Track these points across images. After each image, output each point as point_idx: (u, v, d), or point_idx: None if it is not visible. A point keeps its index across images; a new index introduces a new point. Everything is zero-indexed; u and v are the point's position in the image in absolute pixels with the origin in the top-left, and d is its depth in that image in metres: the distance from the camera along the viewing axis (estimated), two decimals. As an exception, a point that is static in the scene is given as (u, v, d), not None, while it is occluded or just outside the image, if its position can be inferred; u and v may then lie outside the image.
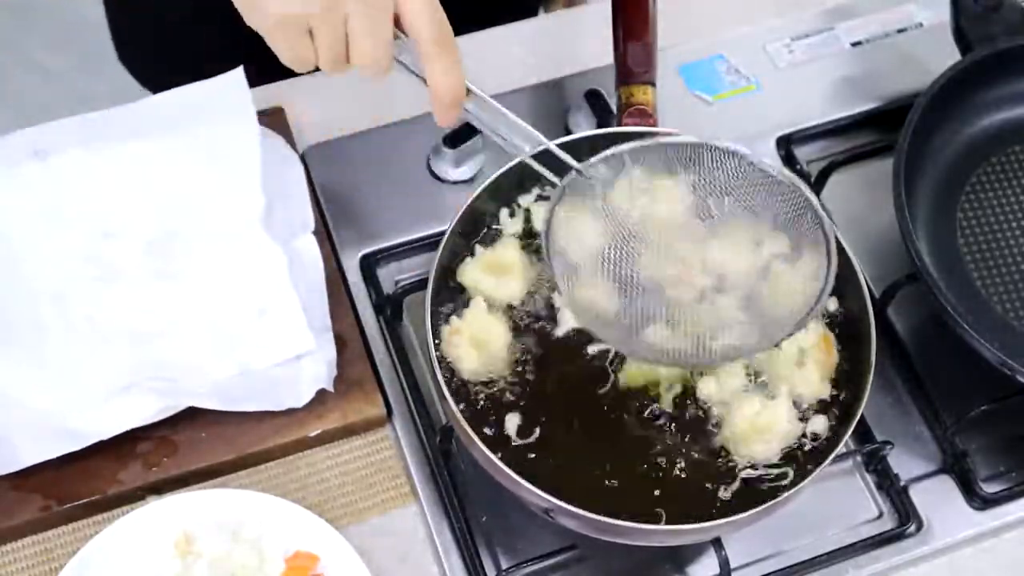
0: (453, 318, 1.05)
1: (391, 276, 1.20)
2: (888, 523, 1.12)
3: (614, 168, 0.99)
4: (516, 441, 1.02)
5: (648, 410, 1.04)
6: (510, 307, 1.07)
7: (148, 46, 1.48)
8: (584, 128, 1.24)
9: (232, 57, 1.20)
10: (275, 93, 1.27)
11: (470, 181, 1.24)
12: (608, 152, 0.99)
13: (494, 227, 1.10)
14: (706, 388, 1.04)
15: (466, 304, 1.06)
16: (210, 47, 1.35)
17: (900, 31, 1.38)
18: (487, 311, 1.05)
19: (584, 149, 1.11)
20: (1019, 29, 1.22)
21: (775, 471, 1.02)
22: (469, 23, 1.35)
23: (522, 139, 0.97)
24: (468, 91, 0.92)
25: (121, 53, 1.52)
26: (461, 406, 1.01)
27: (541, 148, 0.97)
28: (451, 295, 1.07)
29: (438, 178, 1.24)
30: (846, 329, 1.08)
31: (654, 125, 1.11)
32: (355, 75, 1.30)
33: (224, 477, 1.10)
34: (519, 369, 1.05)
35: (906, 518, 1.11)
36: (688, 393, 1.05)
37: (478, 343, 1.04)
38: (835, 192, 1.25)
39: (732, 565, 1.06)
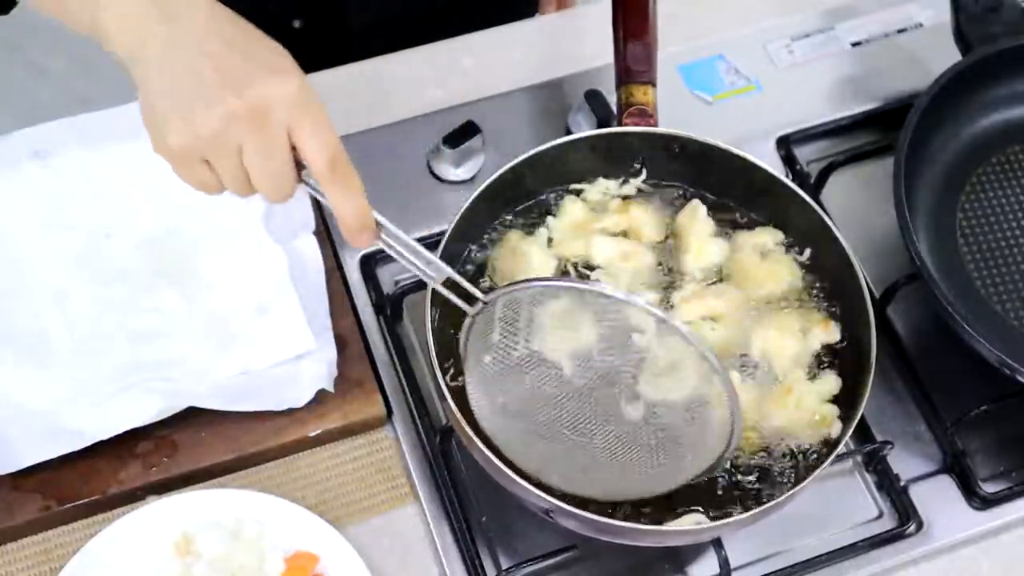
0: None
1: (391, 276, 1.20)
2: (888, 523, 1.12)
3: (515, 308, 0.95)
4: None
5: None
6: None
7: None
8: (584, 128, 1.24)
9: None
10: (275, 93, 1.27)
11: (470, 181, 1.24)
12: (510, 288, 0.94)
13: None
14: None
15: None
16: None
17: (900, 31, 1.38)
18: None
19: (584, 149, 1.11)
20: (1019, 29, 1.22)
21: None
22: (468, 25, 1.35)
23: (432, 268, 0.93)
24: (377, 222, 0.90)
25: None
26: (461, 406, 1.01)
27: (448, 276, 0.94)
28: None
29: (438, 178, 1.24)
30: (846, 329, 1.08)
31: (654, 125, 1.11)
32: (355, 75, 1.31)
33: (224, 477, 1.10)
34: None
35: (906, 518, 1.11)
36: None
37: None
38: (835, 192, 1.25)
39: (732, 565, 1.06)
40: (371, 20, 1.39)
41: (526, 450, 0.98)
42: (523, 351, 0.97)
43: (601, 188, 1.13)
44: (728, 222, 1.13)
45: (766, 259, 1.11)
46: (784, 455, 1.04)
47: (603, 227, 1.11)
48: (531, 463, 0.97)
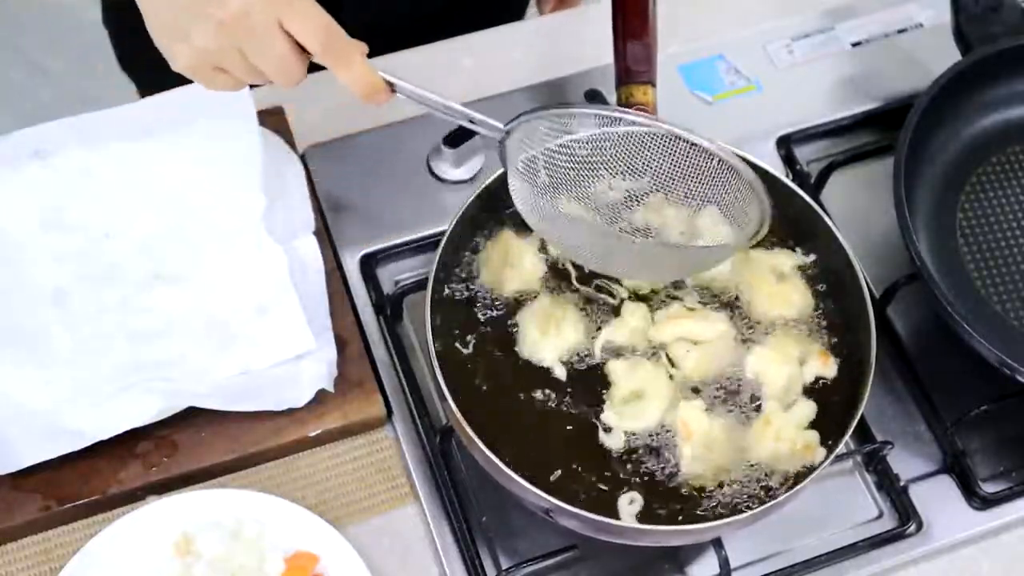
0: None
1: (391, 276, 1.20)
2: (888, 523, 1.12)
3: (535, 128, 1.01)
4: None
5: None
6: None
7: (151, 48, 1.48)
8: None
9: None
10: (275, 93, 1.27)
11: (470, 181, 1.24)
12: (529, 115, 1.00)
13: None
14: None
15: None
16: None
17: (900, 31, 1.38)
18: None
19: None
20: (1019, 29, 1.22)
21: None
22: (465, 26, 1.35)
23: (451, 112, 1.00)
24: (390, 83, 0.98)
25: (121, 58, 1.52)
26: (461, 406, 1.01)
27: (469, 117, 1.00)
28: (452, 295, 1.08)
29: (438, 178, 1.24)
30: (846, 329, 1.08)
31: (653, 125, 1.11)
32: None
33: (224, 477, 1.10)
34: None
35: (906, 518, 1.11)
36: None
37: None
38: (835, 192, 1.25)
39: (732, 565, 1.06)
40: (369, 21, 1.39)
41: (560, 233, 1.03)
42: (544, 179, 1.03)
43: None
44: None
45: (781, 282, 1.09)
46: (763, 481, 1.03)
47: None
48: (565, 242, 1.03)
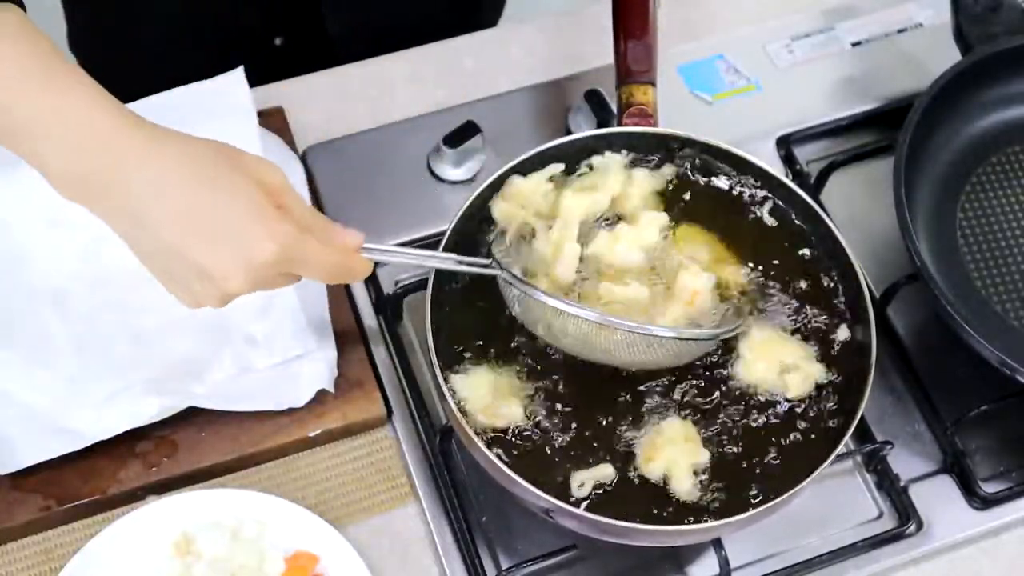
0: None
1: (391, 276, 1.20)
2: (888, 523, 1.12)
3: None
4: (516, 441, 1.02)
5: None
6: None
7: (152, 47, 1.48)
8: (584, 128, 1.24)
9: (233, 57, 1.20)
10: (275, 93, 1.27)
11: (470, 181, 1.24)
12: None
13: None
14: None
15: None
16: (211, 47, 1.35)
17: (900, 31, 1.38)
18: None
19: (584, 149, 1.11)
20: (1019, 29, 1.22)
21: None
22: (444, 31, 1.35)
23: (434, 259, 1.02)
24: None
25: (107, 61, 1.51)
26: (461, 406, 1.01)
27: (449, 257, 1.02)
28: (452, 296, 1.08)
29: (438, 178, 1.24)
30: (846, 329, 1.08)
31: (654, 125, 1.11)
32: (354, 75, 1.31)
33: (224, 477, 1.10)
34: (521, 369, 1.05)
35: (906, 518, 1.11)
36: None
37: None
38: (835, 192, 1.26)
39: (732, 565, 1.06)
40: (349, 27, 1.39)
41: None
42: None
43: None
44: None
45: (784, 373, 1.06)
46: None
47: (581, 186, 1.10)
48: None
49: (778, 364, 1.05)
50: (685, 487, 1.00)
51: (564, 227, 1.05)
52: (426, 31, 1.36)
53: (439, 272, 1.05)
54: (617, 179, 1.09)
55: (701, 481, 1.00)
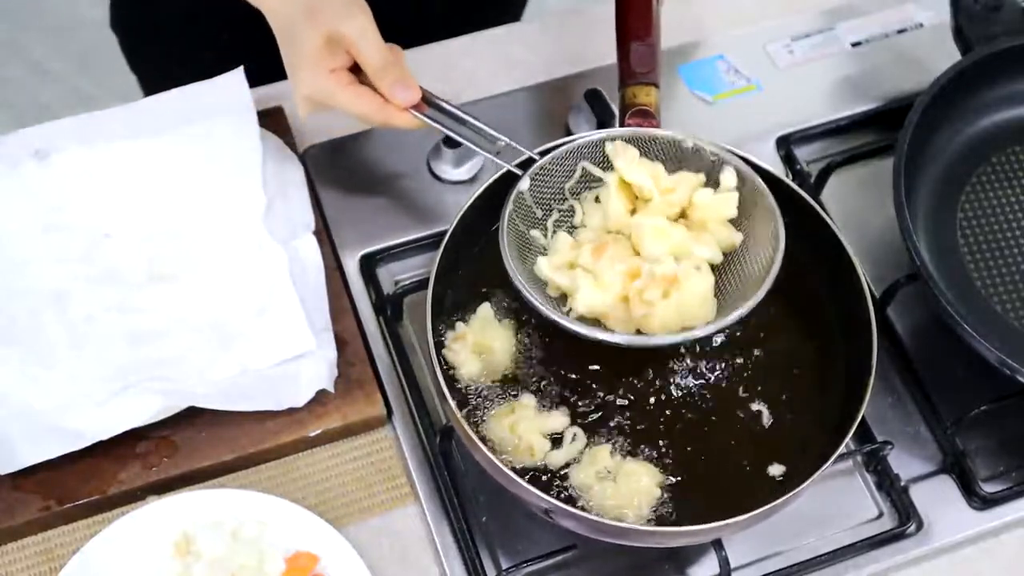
0: (459, 324, 1.05)
1: (391, 276, 1.20)
2: (888, 523, 1.12)
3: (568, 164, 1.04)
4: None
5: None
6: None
7: (152, 47, 1.48)
8: (585, 129, 1.24)
9: (232, 57, 1.20)
10: (275, 93, 1.27)
11: (470, 181, 1.24)
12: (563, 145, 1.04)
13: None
14: None
15: (468, 307, 1.06)
16: (210, 47, 1.35)
17: (900, 31, 1.38)
18: (493, 317, 1.06)
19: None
20: (1019, 29, 1.22)
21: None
22: (451, 28, 1.35)
23: (485, 138, 1.06)
24: (429, 101, 1.06)
25: (130, 58, 1.52)
26: (461, 406, 1.01)
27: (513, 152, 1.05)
28: (453, 296, 1.08)
29: (438, 178, 1.24)
30: (846, 329, 1.08)
31: (657, 126, 1.11)
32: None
33: (224, 477, 1.10)
34: (521, 370, 1.05)
35: (906, 518, 1.11)
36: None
37: (481, 349, 1.05)
38: (835, 192, 1.26)
39: (732, 565, 1.06)
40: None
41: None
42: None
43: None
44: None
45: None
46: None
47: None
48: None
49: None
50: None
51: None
52: (445, 27, 1.36)
53: (439, 272, 1.05)
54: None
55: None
